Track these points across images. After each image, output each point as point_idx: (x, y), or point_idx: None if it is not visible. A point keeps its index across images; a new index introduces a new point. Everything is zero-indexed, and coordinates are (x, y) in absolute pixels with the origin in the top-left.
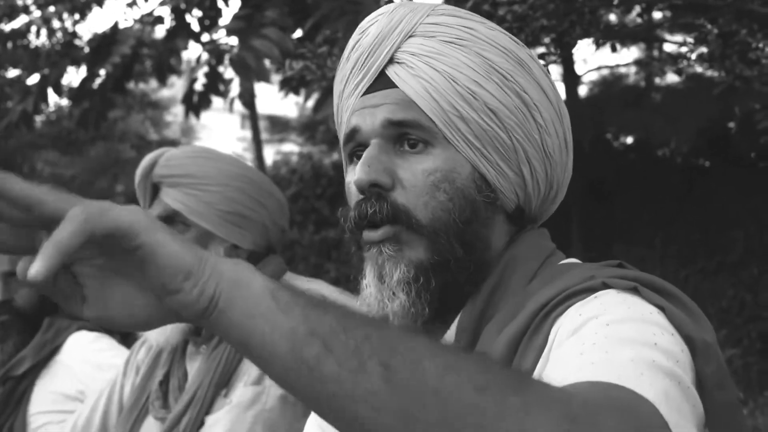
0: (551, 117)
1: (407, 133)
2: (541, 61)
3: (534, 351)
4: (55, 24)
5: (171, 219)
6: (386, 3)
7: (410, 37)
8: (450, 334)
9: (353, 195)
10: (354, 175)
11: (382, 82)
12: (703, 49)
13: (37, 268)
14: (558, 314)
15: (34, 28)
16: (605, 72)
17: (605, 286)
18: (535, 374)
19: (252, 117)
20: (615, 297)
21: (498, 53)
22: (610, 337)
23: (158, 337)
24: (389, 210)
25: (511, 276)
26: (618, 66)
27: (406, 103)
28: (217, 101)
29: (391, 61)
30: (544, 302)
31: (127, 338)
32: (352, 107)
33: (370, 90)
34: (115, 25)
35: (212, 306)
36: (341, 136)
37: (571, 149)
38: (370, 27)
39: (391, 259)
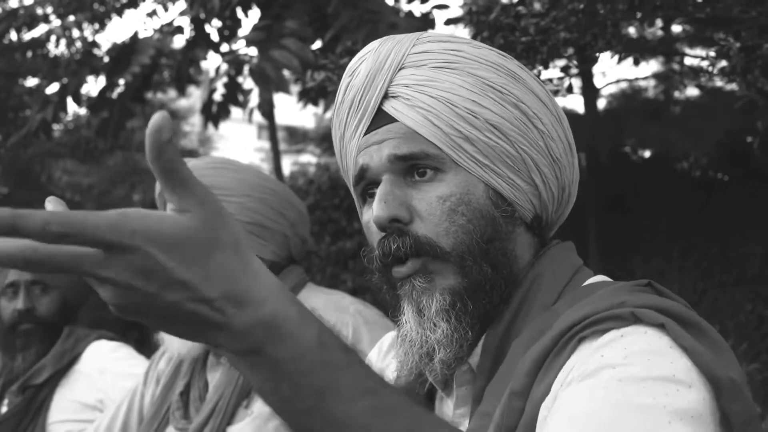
0: (551, 122)
1: (416, 165)
2: (562, 74)
3: (554, 371)
4: (75, 33)
5: None
6: (405, 14)
7: (401, 69)
8: (476, 352)
9: (374, 233)
10: (371, 213)
11: (381, 118)
12: (725, 63)
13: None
14: (583, 337)
15: (53, 38)
16: (624, 85)
17: (633, 316)
18: (548, 398)
19: (270, 127)
20: (642, 341)
21: (489, 69)
22: (618, 405)
23: (180, 347)
24: (412, 243)
25: (536, 294)
26: (637, 79)
27: (409, 135)
28: (235, 111)
29: (386, 96)
30: (570, 324)
31: (142, 347)
32: (357, 148)
33: (371, 128)
34: (135, 34)
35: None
36: (350, 179)
37: (574, 149)
38: (360, 66)
39: (425, 291)
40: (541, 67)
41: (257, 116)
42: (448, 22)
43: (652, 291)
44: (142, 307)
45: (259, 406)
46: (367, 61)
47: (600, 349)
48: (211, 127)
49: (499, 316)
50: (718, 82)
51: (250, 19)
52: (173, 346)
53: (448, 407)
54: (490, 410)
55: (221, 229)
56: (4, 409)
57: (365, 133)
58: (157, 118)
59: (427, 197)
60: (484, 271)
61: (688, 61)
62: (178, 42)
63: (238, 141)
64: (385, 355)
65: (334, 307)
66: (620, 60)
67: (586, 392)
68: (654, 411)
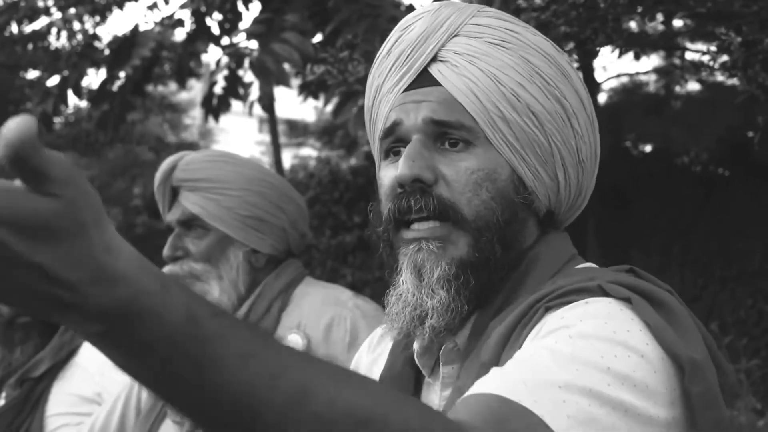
0: (586, 125)
1: (448, 133)
2: None
3: (522, 339)
4: (76, 26)
5: (190, 223)
6: (405, 7)
7: (455, 36)
8: (464, 332)
9: (388, 189)
10: (393, 170)
11: (424, 79)
12: (725, 58)
13: None
14: (549, 307)
15: (54, 30)
16: (625, 80)
17: (601, 289)
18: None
19: (271, 121)
20: (602, 308)
21: (541, 58)
22: (562, 355)
23: None
24: (435, 204)
25: (528, 278)
26: (638, 74)
27: (449, 102)
28: (235, 105)
29: (434, 59)
30: (538, 297)
31: None
32: (392, 102)
33: (411, 86)
34: (135, 27)
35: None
36: (378, 131)
37: (598, 158)
38: (415, 23)
39: (432, 255)
40: None
41: (258, 109)
42: None
43: (632, 275)
44: None
45: None
46: (424, 20)
47: (564, 312)
48: (211, 120)
49: (492, 299)
50: (719, 77)
51: (250, 13)
52: None
53: (435, 392)
54: (464, 384)
55: (84, 210)
56: (2, 402)
57: (404, 90)
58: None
59: (454, 165)
60: (495, 250)
61: (689, 55)
62: (179, 35)
63: (239, 134)
64: (375, 347)
65: (332, 301)
66: (621, 54)
67: (537, 343)
68: (595, 368)
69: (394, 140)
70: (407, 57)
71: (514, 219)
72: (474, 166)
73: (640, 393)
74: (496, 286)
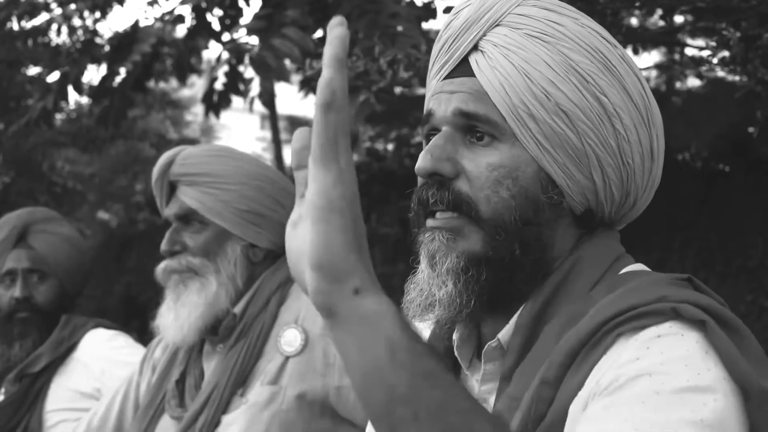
0: (635, 123)
1: (476, 126)
2: None
3: (588, 365)
4: (76, 22)
5: (187, 217)
6: (407, 3)
7: (497, 26)
8: (508, 329)
9: (420, 178)
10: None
11: (463, 68)
12: (725, 53)
13: None
14: (621, 333)
15: (54, 26)
16: None
17: (673, 311)
18: (582, 393)
19: (272, 117)
20: (679, 345)
21: (582, 52)
22: (656, 419)
23: (175, 335)
24: (450, 198)
25: (575, 279)
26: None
27: (480, 94)
28: (237, 101)
29: (475, 48)
30: (608, 317)
31: (143, 336)
32: (432, 90)
33: (451, 74)
34: (136, 23)
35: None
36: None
37: (659, 156)
38: (463, 10)
39: (443, 246)
40: None
41: (259, 106)
42: (447, 10)
43: (692, 286)
44: None
45: (254, 395)
46: (470, 7)
47: (638, 350)
48: (213, 116)
49: (535, 295)
50: (720, 73)
51: (251, 8)
52: (169, 334)
53: (472, 385)
54: (518, 394)
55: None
56: (1, 397)
57: (444, 78)
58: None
59: (477, 160)
60: (511, 249)
61: (689, 51)
62: (180, 31)
63: (240, 131)
64: None
65: None
66: None
67: (621, 396)
68: (691, 424)
69: (430, 128)
70: (450, 44)
71: (536, 219)
72: (496, 162)
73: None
74: (519, 286)
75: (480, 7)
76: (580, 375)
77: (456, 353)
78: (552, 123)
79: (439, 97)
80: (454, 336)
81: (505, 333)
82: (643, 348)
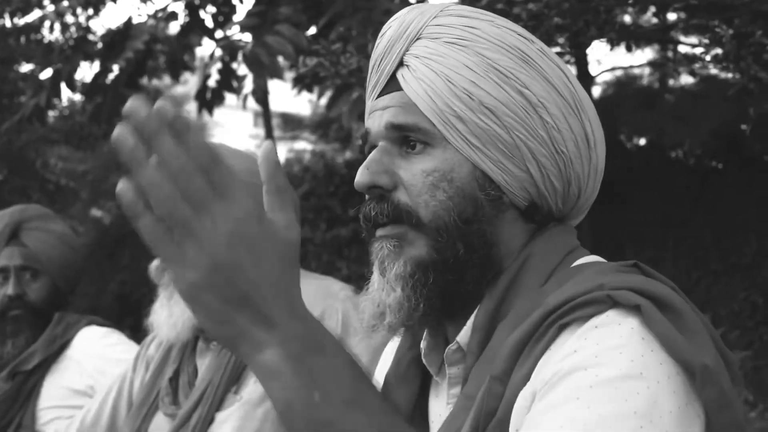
0: (562, 112)
1: (409, 136)
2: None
3: (533, 358)
4: (69, 19)
5: None
6: (400, 0)
7: (417, 39)
8: (466, 331)
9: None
10: None
11: (392, 84)
12: (718, 51)
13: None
14: (563, 324)
15: (47, 23)
16: (619, 73)
17: (610, 299)
18: (527, 388)
19: (265, 114)
20: (614, 333)
21: (500, 51)
22: (589, 416)
23: (169, 332)
24: (390, 210)
25: (526, 274)
26: (632, 67)
27: (409, 106)
28: (230, 98)
29: (401, 63)
30: (550, 309)
31: (137, 333)
32: (368, 110)
33: (382, 92)
34: (129, 20)
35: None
36: None
37: (596, 143)
38: (387, 30)
39: (390, 254)
40: None
41: (252, 103)
42: None
43: (638, 272)
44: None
45: (248, 392)
46: (393, 27)
47: (575, 342)
48: (206, 113)
49: (489, 296)
50: (713, 70)
51: (244, 5)
52: (163, 331)
53: (443, 390)
54: (473, 392)
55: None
56: None
57: (377, 96)
58: (266, 148)
59: (412, 169)
60: (455, 249)
61: (682, 48)
62: (173, 28)
63: (233, 128)
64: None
65: (324, 293)
66: (613, 47)
67: (558, 394)
68: (624, 417)
69: (370, 147)
70: (378, 64)
71: (476, 217)
72: (430, 167)
73: (673, 419)
74: (471, 286)
75: (401, 25)
76: (526, 368)
77: (424, 361)
78: (479, 121)
79: (373, 115)
80: (422, 344)
81: (463, 335)
82: (581, 340)
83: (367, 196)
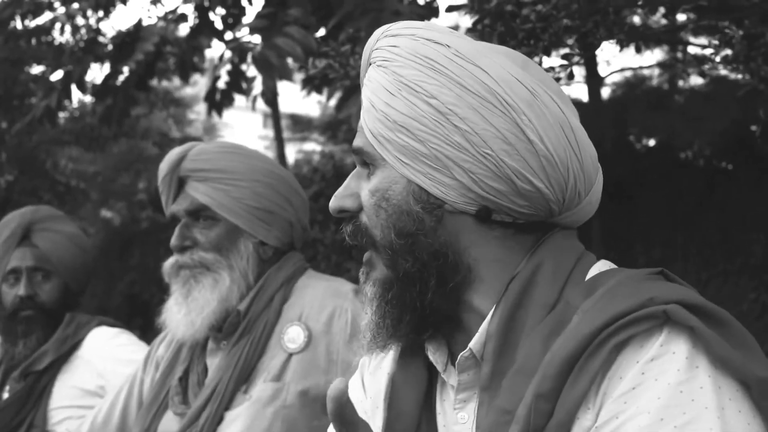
0: (480, 113)
1: (363, 158)
2: (564, 62)
3: (588, 375)
4: (79, 21)
5: (198, 213)
6: (409, 1)
7: (369, 65)
8: (479, 338)
9: None
10: None
11: None
12: (728, 52)
13: None
14: (617, 343)
15: (58, 25)
16: (628, 74)
17: (665, 315)
18: (587, 416)
19: (274, 115)
20: (669, 368)
21: (410, 65)
22: None
23: (186, 330)
24: (351, 232)
25: (539, 280)
26: (641, 68)
27: (361, 129)
28: (239, 99)
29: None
30: (600, 326)
31: (146, 334)
32: None
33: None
34: (139, 22)
35: None
36: None
37: (541, 136)
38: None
39: (365, 281)
40: (543, 55)
41: (261, 104)
42: (450, 9)
43: (664, 279)
44: None
45: (257, 392)
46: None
47: (634, 378)
48: (215, 115)
49: (501, 304)
50: (722, 71)
51: (254, 7)
52: (180, 330)
53: (449, 393)
54: (510, 407)
55: None
56: (6, 395)
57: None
58: (336, 386)
59: (365, 190)
60: (404, 264)
61: (691, 49)
62: (183, 30)
63: (243, 129)
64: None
65: (333, 293)
66: (622, 48)
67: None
68: None
69: None
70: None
71: (416, 230)
72: (373, 187)
73: None
74: (442, 296)
75: (365, 53)
76: (580, 389)
77: (431, 358)
78: (398, 139)
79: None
80: (426, 344)
81: (476, 342)
82: (639, 375)
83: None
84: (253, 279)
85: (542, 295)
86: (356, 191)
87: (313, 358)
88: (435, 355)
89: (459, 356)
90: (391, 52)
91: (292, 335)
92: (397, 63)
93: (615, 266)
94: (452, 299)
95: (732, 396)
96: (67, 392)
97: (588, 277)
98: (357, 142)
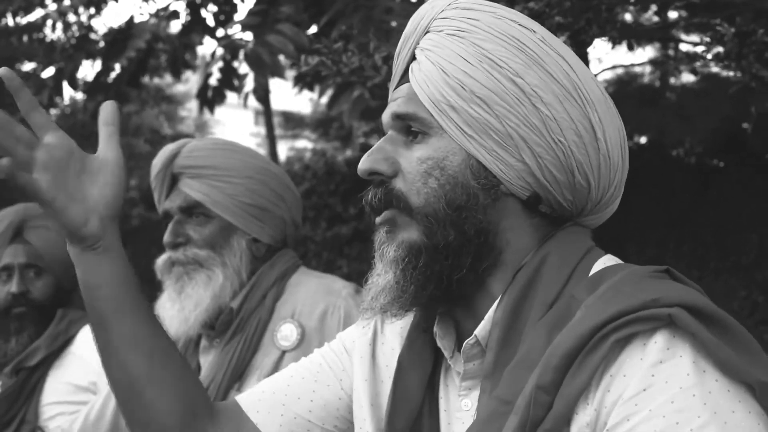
0: (560, 101)
1: (410, 125)
2: None
3: (588, 370)
4: (71, 18)
5: (191, 210)
6: None
7: (426, 32)
8: (484, 326)
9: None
10: None
11: (405, 77)
12: (719, 49)
13: None
14: (617, 339)
15: (49, 22)
16: (620, 71)
17: (669, 317)
18: (587, 409)
19: (266, 113)
20: (679, 372)
21: (495, 41)
22: None
23: (180, 326)
24: (382, 195)
25: (545, 271)
26: (633, 65)
27: (411, 96)
28: (231, 96)
29: (414, 57)
30: (601, 322)
31: None
32: (389, 101)
33: (398, 85)
34: (131, 19)
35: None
36: None
37: (605, 135)
38: (407, 26)
39: (386, 240)
40: None
41: (254, 101)
42: None
43: (670, 278)
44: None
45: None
46: (410, 23)
47: (643, 379)
48: (207, 112)
49: (508, 292)
50: (714, 69)
51: (245, 4)
52: (173, 325)
53: (453, 379)
54: (509, 397)
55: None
56: None
57: (393, 89)
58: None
59: (410, 157)
60: (446, 235)
61: (683, 47)
62: (174, 27)
63: (234, 126)
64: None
65: (325, 291)
66: (614, 45)
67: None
68: None
69: (380, 137)
70: (397, 58)
71: (469, 203)
72: (425, 155)
73: None
74: (471, 274)
75: (414, 20)
76: (579, 382)
77: (439, 344)
78: (470, 110)
79: (389, 106)
80: (435, 328)
81: (481, 329)
82: (648, 376)
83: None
84: (246, 276)
85: (546, 288)
86: (392, 156)
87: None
88: (443, 341)
89: (465, 343)
90: (469, 24)
91: (285, 333)
92: (479, 36)
93: (620, 261)
94: (478, 280)
95: (741, 398)
96: (59, 388)
97: (593, 271)
98: (404, 108)
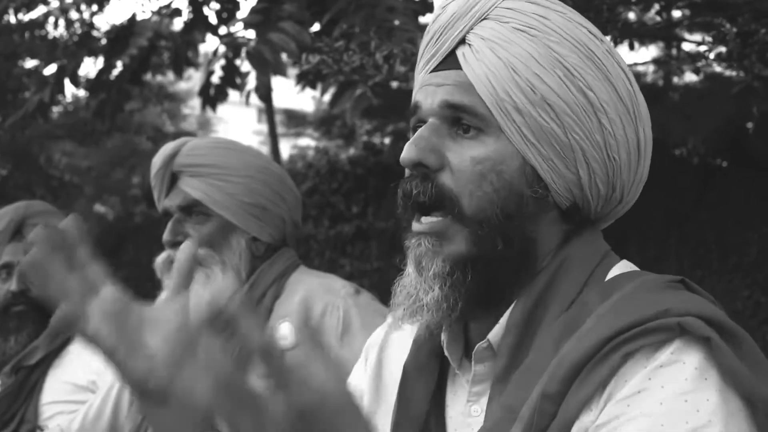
0: (621, 118)
1: (463, 118)
2: None
3: (594, 383)
4: (73, 15)
5: (190, 208)
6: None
7: (484, 19)
8: (498, 330)
9: (406, 170)
10: None
11: (450, 61)
12: (722, 49)
13: None
14: (628, 352)
15: (52, 19)
16: None
17: (679, 327)
18: (586, 418)
19: (268, 111)
20: (677, 377)
21: (568, 46)
22: None
23: None
24: (433, 192)
25: (563, 278)
26: (636, 65)
27: (466, 86)
28: (233, 94)
29: (462, 41)
30: (612, 334)
31: None
32: (420, 82)
33: (438, 67)
34: (133, 16)
35: None
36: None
37: (646, 151)
38: (451, 3)
39: (429, 252)
40: None
41: (256, 99)
42: None
43: (685, 289)
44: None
45: None
46: (458, 1)
47: (641, 382)
48: (210, 109)
49: (525, 294)
50: (717, 68)
51: (248, 2)
52: None
53: (462, 386)
54: (515, 405)
55: None
56: None
57: (432, 71)
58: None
59: (462, 153)
60: (494, 245)
61: (686, 46)
62: (177, 24)
63: (237, 124)
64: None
65: (325, 290)
66: (616, 44)
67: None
68: None
69: (417, 120)
70: (438, 38)
71: (519, 213)
72: (481, 155)
73: None
74: (507, 282)
75: (468, 1)
76: (584, 393)
77: (446, 353)
78: (537, 116)
79: (426, 89)
80: (443, 336)
81: (495, 334)
82: (645, 380)
83: (408, 172)
84: (245, 275)
85: (562, 294)
86: (439, 148)
87: None
88: (450, 348)
89: (477, 346)
90: (540, 23)
91: (284, 332)
92: (552, 38)
93: (636, 268)
94: (512, 288)
95: (735, 413)
96: (58, 387)
97: (608, 277)
98: (460, 98)
